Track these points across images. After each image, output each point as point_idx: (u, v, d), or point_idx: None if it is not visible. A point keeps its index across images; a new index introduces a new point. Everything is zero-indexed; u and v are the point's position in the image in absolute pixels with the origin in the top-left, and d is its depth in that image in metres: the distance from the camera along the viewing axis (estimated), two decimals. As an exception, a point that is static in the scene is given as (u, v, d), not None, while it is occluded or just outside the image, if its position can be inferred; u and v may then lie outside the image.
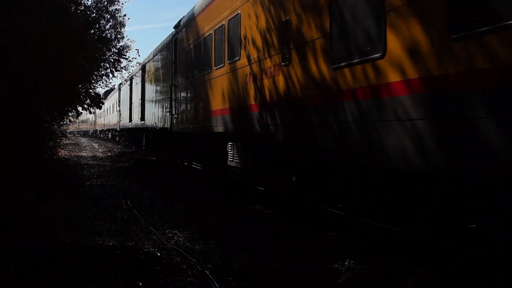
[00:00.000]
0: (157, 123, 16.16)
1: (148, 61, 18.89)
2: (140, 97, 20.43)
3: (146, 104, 18.98)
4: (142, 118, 19.75)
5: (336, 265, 4.57)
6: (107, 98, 40.12)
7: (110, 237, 5.80)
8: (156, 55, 17.22)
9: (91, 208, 7.66)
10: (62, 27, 6.85)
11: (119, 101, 30.74)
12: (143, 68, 20.21)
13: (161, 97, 15.54)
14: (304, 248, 5.17)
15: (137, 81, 22.22)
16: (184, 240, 5.85)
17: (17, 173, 6.03)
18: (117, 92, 31.90)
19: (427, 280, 3.93)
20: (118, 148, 26.68)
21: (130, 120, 24.23)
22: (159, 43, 17.01)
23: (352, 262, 4.50)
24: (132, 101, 23.75)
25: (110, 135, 41.87)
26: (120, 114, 30.04)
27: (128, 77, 24.61)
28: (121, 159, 18.72)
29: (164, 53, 15.48)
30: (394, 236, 5.25)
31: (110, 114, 38.74)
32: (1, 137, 5.70)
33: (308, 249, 5.15)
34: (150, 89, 18.16)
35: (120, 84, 29.59)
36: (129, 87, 25.18)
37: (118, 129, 32.21)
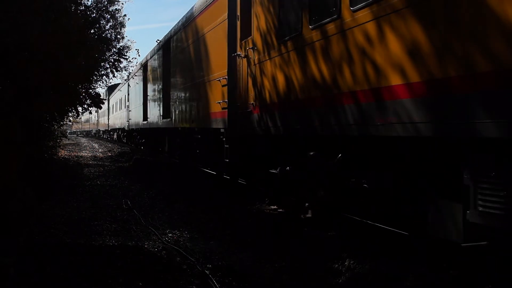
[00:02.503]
0: (195, 122, 10.88)
1: (174, 35, 13.09)
2: (161, 87, 14.73)
3: (173, 96, 13.29)
4: (166, 115, 14.22)
5: (336, 265, 4.57)
6: (112, 94, 35.23)
7: (110, 237, 5.81)
8: (190, 20, 11.12)
9: (91, 208, 7.67)
10: (63, 27, 6.85)
11: (128, 95, 24.79)
12: (165, 46, 14.39)
13: (205, 82, 9.87)
14: (304, 248, 5.18)
15: (154, 66, 16.49)
16: (184, 240, 5.85)
17: (17, 173, 6.03)
18: (126, 85, 25.98)
19: (427, 280, 3.94)
20: (118, 148, 26.68)
21: (145, 118, 18.29)
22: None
23: (352, 262, 4.51)
24: (148, 93, 17.78)
25: (115, 136, 35.33)
26: (129, 111, 24.19)
27: (139, 64, 19.47)
28: (121, 159, 18.73)
29: (213, 10, 9.38)
30: (394, 236, 5.25)
31: (116, 112, 32.50)
32: (1, 137, 5.70)
33: (308, 249, 5.15)
34: (181, 72, 12.28)
35: (129, 74, 22.60)
36: (142, 76, 19.42)
37: (126, 129, 26.16)
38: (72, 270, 4.22)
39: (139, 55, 33.94)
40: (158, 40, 15.63)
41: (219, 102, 8.70)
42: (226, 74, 8.39)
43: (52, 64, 6.61)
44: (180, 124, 12.46)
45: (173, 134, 14.45)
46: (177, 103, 12.66)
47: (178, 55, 12.72)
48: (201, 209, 7.68)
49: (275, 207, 7.78)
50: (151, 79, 17.34)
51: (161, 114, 14.76)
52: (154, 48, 16.64)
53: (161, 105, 14.88)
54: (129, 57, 18.37)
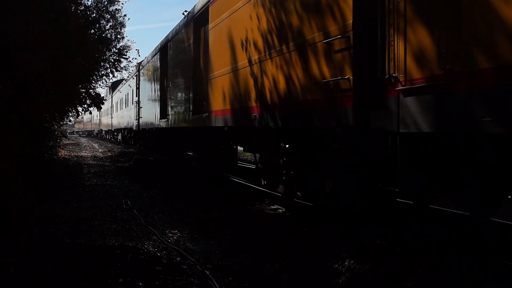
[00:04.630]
0: (257, 118, 7.01)
1: None
2: (192, 73, 10.81)
3: (212, 83, 9.24)
4: (198, 109, 10.49)
5: (336, 265, 4.57)
6: (116, 90, 32.40)
7: (110, 237, 5.81)
8: None
9: (91, 208, 7.67)
10: (63, 27, 6.85)
11: (138, 89, 20.63)
12: (198, 19, 10.48)
13: (287, 53, 6.14)
14: (304, 248, 5.18)
15: (179, 47, 12.42)
16: (184, 240, 5.85)
17: (17, 173, 6.03)
18: (134, 79, 22.09)
19: (427, 280, 3.93)
20: (118, 148, 26.67)
21: (164, 115, 14.40)
22: None
23: (352, 262, 4.51)
24: (169, 84, 13.76)
25: (120, 137, 31.22)
26: (139, 108, 20.02)
27: (155, 49, 16.22)
28: (121, 159, 18.73)
29: None
30: (394, 236, 5.25)
31: (121, 110, 28.79)
32: (1, 137, 5.70)
33: (308, 249, 5.15)
34: (229, 47, 8.27)
35: (139, 64, 20.26)
36: (158, 63, 15.42)
37: (135, 129, 21.85)
38: (72, 270, 4.22)
39: (139, 55, 33.78)
40: (185, 11, 11.74)
41: (328, 81, 5.05)
42: (348, 28, 4.70)
43: (52, 64, 6.60)
44: (218, 123, 8.84)
45: (207, 136, 10.88)
46: (223, 91, 8.62)
47: (223, 26, 8.66)
48: (201, 209, 7.68)
49: (275, 207, 7.78)
50: (174, 64, 13.25)
51: (191, 109, 10.85)
52: (178, 25, 12.57)
53: (190, 97, 10.96)
54: (129, 57, 18.18)
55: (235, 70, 8.04)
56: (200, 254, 5.10)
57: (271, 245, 5.40)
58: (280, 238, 5.69)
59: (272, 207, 7.80)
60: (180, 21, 12.37)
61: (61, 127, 15.23)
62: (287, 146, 6.95)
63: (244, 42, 7.61)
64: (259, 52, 7.00)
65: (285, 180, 6.94)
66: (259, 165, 7.90)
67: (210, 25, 9.46)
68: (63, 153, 18.81)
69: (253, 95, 7.13)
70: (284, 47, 6.24)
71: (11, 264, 4.14)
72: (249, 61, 7.33)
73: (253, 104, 7.12)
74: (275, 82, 6.45)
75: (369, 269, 4.29)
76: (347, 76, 4.75)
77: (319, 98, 5.33)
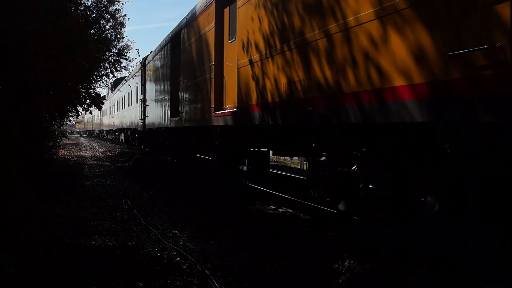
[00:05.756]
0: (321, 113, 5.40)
1: None
2: (213, 63, 9.33)
3: (248, 72, 7.50)
4: (220, 104, 9.34)
5: (336, 265, 4.57)
6: (118, 89, 31.05)
7: (110, 237, 5.81)
8: None
9: (91, 208, 7.67)
10: (63, 27, 6.85)
11: (143, 86, 19.09)
12: None
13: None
14: (304, 248, 5.18)
15: (197, 36, 10.72)
16: (184, 240, 5.85)
17: (17, 173, 6.03)
18: (139, 74, 20.30)
19: (427, 280, 3.93)
20: (118, 148, 26.66)
21: (175, 113, 12.94)
22: None
23: (352, 262, 4.51)
24: (182, 77, 12.26)
25: (122, 138, 29.83)
26: (145, 106, 18.53)
27: (165, 40, 14.41)
28: (121, 159, 18.73)
29: None
30: (394, 236, 5.25)
31: (124, 108, 27.21)
32: (1, 137, 5.70)
33: (308, 249, 5.15)
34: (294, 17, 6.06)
35: (144, 59, 18.91)
36: (169, 56, 13.84)
37: (140, 129, 20.26)
38: (72, 270, 4.22)
39: (139, 55, 33.58)
40: None
41: (458, 54, 3.45)
42: None
43: (52, 64, 6.60)
44: (252, 121, 7.38)
45: (230, 137, 9.47)
46: (260, 81, 7.03)
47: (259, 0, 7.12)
48: (201, 209, 7.68)
49: (275, 207, 7.78)
50: (189, 54, 11.58)
51: (212, 105, 9.38)
52: (194, 9, 11.15)
53: (210, 91, 9.50)
54: (129, 57, 18.13)
55: (282, 52, 6.26)
56: (200, 254, 5.10)
57: (271, 245, 5.39)
58: (280, 238, 5.69)
59: (272, 207, 7.80)
60: (197, 4, 10.82)
61: (61, 127, 15.23)
62: (363, 150, 5.33)
63: (298, 14, 5.78)
64: (325, 21, 5.09)
65: (356, 195, 5.50)
66: (319, 173, 6.22)
67: (239, 2, 7.96)
68: (63, 153, 18.82)
69: (319, 79, 5.29)
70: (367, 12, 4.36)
71: (11, 264, 4.14)
72: (304, 38, 5.62)
73: (314, 94, 5.42)
74: (353, 60, 4.60)
75: (369, 269, 4.29)
76: (498, 44, 3.18)
77: (443, 80, 3.60)
